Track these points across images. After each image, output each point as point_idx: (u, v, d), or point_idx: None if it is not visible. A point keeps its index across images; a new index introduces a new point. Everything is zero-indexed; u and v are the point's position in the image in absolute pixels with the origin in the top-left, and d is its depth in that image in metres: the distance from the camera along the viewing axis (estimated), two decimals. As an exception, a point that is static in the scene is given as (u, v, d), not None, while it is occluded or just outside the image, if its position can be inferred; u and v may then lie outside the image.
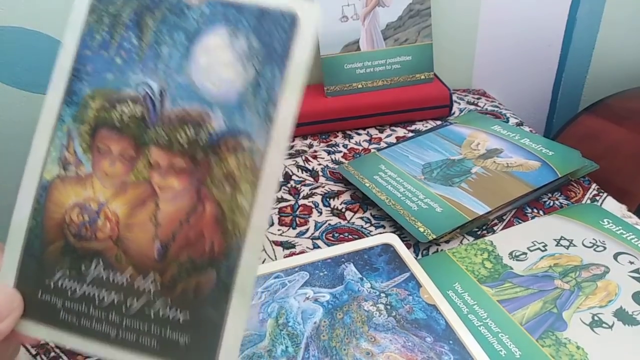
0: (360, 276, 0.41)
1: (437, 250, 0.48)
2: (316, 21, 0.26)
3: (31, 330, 0.27)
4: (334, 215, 0.53)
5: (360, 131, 0.70)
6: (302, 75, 0.26)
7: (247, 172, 0.26)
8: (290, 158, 0.64)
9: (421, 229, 0.47)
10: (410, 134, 0.68)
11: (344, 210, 0.54)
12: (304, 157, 0.64)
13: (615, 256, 0.44)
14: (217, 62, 0.26)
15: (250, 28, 0.26)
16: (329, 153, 0.65)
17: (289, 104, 0.26)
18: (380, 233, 0.49)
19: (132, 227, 0.26)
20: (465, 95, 0.79)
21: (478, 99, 0.78)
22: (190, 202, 0.26)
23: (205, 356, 0.25)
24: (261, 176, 0.25)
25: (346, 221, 0.52)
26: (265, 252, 0.48)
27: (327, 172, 0.61)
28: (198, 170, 0.26)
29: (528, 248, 0.46)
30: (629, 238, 0.45)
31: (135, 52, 0.27)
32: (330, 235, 0.50)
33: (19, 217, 0.27)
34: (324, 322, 0.38)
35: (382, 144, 0.66)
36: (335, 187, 0.58)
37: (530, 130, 0.65)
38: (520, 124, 0.69)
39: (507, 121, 0.69)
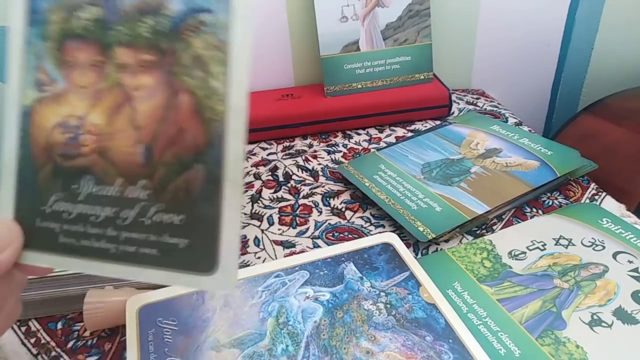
0: (360, 275, 0.42)
1: (436, 250, 0.48)
2: None
3: (33, 259, 0.27)
4: (334, 214, 0.53)
5: (360, 131, 0.70)
6: None
7: (214, 51, 0.25)
8: (290, 158, 0.64)
9: (421, 228, 0.47)
10: (410, 134, 0.68)
11: (343, 209, 0.54)
12: (304, 157, 0.64)
13: (614, 255, 0.44)
14: None
15: None
16: (328, 153, 0.65)
17: None
18: (380, 232, 0.50)
19: (113, 136, 0.26)
20: (465, 95, 0.80)
21: (477, 99, 0.78)
22: (165, 97, 0.26)
23: (206, 254, 0.25)
24: (230, 52, 0.25)
25: (346, 220, 0.52)
26: (266, 251, 0.49)
27: (327, 171, 0.61)
28: (166, 60, 0.25)
29: (527, 247, 0.46)
30: (628, 237, 0.46)
31: None
32: (330, 234, 0.50)
33: (7, 148, 0.27)
34: (324, 321, 0.38)
35: (382, 144, 0.66)
36: (335, 187, 0.58)
37: (530, 130, 0.65)
38: (519, 124, 0.69)
39: (506, 121, 0.70)
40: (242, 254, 0.48)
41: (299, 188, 0.58)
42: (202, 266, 0.25)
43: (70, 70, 0.27)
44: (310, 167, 0.62)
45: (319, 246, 0.49)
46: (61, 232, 0.27)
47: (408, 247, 0.47)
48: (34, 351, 0.39)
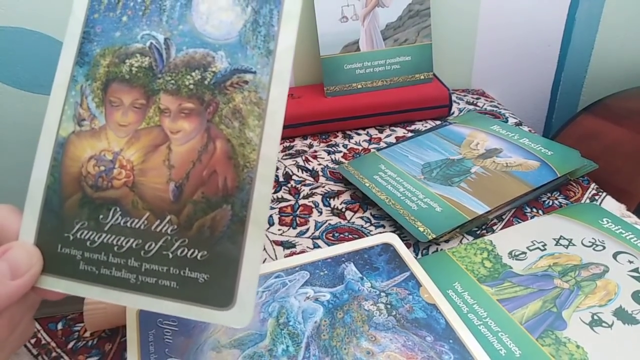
0: (360, 275, 0.42)
1: (436, 250, 0.48)
2: None
3: (51, 284, 0.27)
4: (334, 215, 0.53)
5: (360, 131, 0.70)
6: (298, 7, 0.27)
7: (253, 106, 0.27)
8: (290, 158, 0.64)
9: (421, 229, 0.47)
10: (410, 134, 0.68)
11: (344, 210, 0.54)
12: (304, 157, 0.64)
13: (615, 255, 0.44)
14: (216, 7, 0.28)
15: None
16: (329, 153, 0.65)
17: (287, 38, 0.27)
18: (380, 233, 0.50)
19: (146, 172, 0.27)
20: (465, 95, 0.79)
21: (477, 99, 0.78)
22: (201, 141, 0.27)
23: (224, 290, 0.26)
24: (267, 108, 0.27)
25: (346, 221, 0.52)
26: (266, 251, 0.49)
27: (327, 172, 0.61)
28: (206, 110, 0.27)
29: (527, 247, 0.46)
30: (628, 237, 0.46)
31: (140, 9, 0.29)
32: (331, 234, 0.50)
33: (38, 175, 0.28)
34: (325, 321, 0.38)
35: (382, 144, 0.66)
36: (335, 187, 0.58)
37: (530, 130, 0.65)
38: (519, 124, 0.69)
39: (507, 121, 0.70)
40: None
41: (299, 188, 0.58)
42: (219, 302, 0.26)
43: (112, 110, 0.28)
44: (310, 168, 0.62)
45: (319, 246, 0.49)
46: (82, 260, 0.27)
47: (408, 248, 0.47)
48: (34, 352, 0.39)
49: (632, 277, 0.41)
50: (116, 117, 0.28)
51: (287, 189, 0.58)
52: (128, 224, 0.27)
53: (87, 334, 0.41)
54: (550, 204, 0.53)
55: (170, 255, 0.27)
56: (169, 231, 0.27)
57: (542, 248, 0.46)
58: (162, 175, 0.27)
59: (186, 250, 0.27)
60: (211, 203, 0.27)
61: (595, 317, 0.38)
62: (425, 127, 0.70)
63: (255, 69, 0.27)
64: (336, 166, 0.62)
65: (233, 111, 0.27)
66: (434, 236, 0.46)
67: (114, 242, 0.27)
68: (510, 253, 0.45)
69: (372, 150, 0.65)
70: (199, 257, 0.26)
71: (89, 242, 0.27)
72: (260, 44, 0.27)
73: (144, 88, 0.28)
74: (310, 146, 0.67)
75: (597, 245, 0.45)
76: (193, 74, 0.28)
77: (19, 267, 0.26)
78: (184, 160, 0.27)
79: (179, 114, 0.27)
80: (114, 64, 0.28)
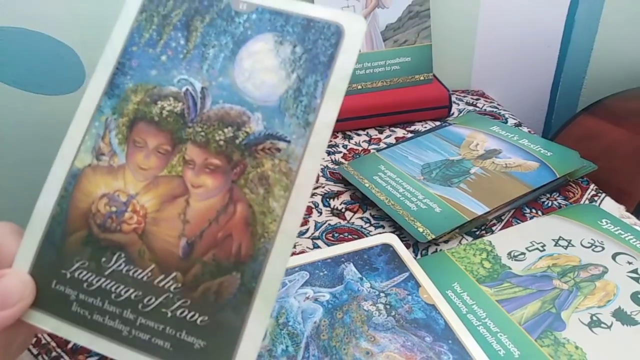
0: (359, 276, 0.42)
1: (436, 250, 0.48)
2: (361, 34, 0.26)
3: (39, 320, 0.26)
4: (333, 215, 0.53)
5: (360, 132, 0.70)
6: (344, 85, 0.26)
7: (282, 176, 0.26)
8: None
9: (420, 229, 0.47)
10: (410, 135, 0.68)
11: (343, 210, 0.54)
12: (303, 158, 0.64)
13: (614, 256, 0.44)
14: (260, 67, 0.27)
15: (295, 36, 0.27)
16: (328, 154, 0.65)
17: (328, 113, 0.26)
18: (380, 233, 0.50)
19: (159, 222, 0.26)
20: (464, 96, 0.80)
21: (477, 99, 0.78)
22: (222, 201, 0.26)
23: None
24: (296, 181, 0.26)
25: (346, 221, 0.52)
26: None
27: (327, 172, 0.61)
28: (232, 170, 0.26)
29: (527, 248, 0.46)
30: (627, 238, 0.46)
31: (181, 52, 0.27)
32: (330, 235, 0.51)
33: (44, 202, 0.27)
34: (324, 321, 0.38)
35: (382, 145, 0.66)
36: (335, 188, 0.58)
37: (529, 131, 0.65)
38: (518, 125, 0.69)
39: (506, 122, 0.70)
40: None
41: (298, 189, 0.58)
42: None
43: (135, 150, 0.27)
44: (310, 168, 0.62)
45: (318, 247, 0.49)
46: (76, 301, 0.26)
47: (408, 248, 0.47)
48: (35, 351, 0.40)
49: (631, 278, 0.42)
50: (138, 158, 0.27)
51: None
52: (130, 273, 0.26)
53: (87, 334, 0.41)
54: (550, 204, 0.53)
55: (169, 314, 0.25)
56: (172, 288, 0.25)
57: (541, 249, 0.46)
58: (175, 229, 0.26)
59: (187, 312, 0.25)
60: (221, 267, 0.25)
61: (594, 318, 0.38)
62: (425, 127, 0.70)
63: (291, 139, 0.26)
64: (336, 167, 0.62)
65: (260, 177, 0.26)
66: (434, 237, 0.47)
67: (113, 289, 0.26)
68: (509, 254, 0.45)
69: (372, 150, 0.65)
70: (198, 321, 0.25)
71: (86, 284, 0.26)
72: (299, 113, 0.26)
73: (171, 134, 0.27)
74: (310, 146, 0.67)
75: (596, 246, 0.45)
76: (225, 130, 0.26)
77: (11, 297, 0.25)
78: (201, 218, 0.26)
79: (204, 168, 0.26)
80: (144, 102, 0.27)
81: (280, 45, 0.27)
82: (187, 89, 0.27)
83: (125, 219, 0.26)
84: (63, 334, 0.26)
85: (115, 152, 0.27)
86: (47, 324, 0.26)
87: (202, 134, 0.26)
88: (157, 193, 0.26)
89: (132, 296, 0.26)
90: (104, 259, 0.26)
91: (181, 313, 0.25)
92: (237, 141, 0.26)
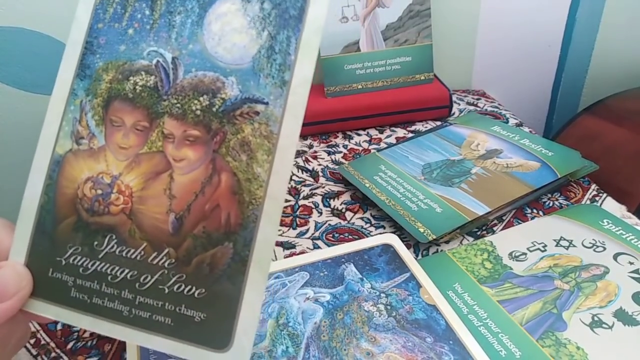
0: (360, 276, 0.41)
1: (437, 251, 0.48)
2: None
3: (40, 309, 0.26)
4: (334, 215, 0.53)
5: (360, 132, 0.70)
6: (318, 39, 0.25)
7: (263, 140, 0.25)
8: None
9: (421, 230, 0.47)
10: (410, 135, 0.68)
11: (344, 210, 0.54)
12: (304, 158, 0.64)
13: (615, 257, 0.44)
14: (230, 28, 0.26)
15: None
16: (329, 153, 0.65)
17: (304, 69, 0.25)
18: (380, 233, 0.49)
19: (146, 200, 0.26)
20: (465, 96, 0.79)
21: (478, 99, 0.78)
22: (205, 172, 0.26)
23: (221, 332, 0.25)
24: (277, 143, 0.25)
25: (346, 221, 0.52)
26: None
27: (327, 172, 0.61)
28: (213, 139, 0.26)
29: (528, 248, 0.46)
30: (628, 239, 0.45)
31: (148, 23, 0.27)
32: (331, 235, 0.50)
33: (31, 193, 0.27)
34: (325, 322, 0.38)
35: (382, 145, 0.66)
36: (336, 188, 0.58)
37: (530, 131, 0.65)
38: (519, 125, 0.69)
39: (507, 122, 0.70)
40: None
41: (299, 189, 0.58)
42: (215, 343, 0.25)
43: (113, 130, 0.27)
44: (310, 168, 0.62)
45: (319, 247, 0.49)
46: (74, 286, 0.26)
47: (408, 248, 0.47)
48: (34, 352, 0.39)
49: (633, 278, 0.41)
50: (117, 138, 0.26)
51: (287, 189, 0.58)
52: (124, 254, 0.26)
53: (87, 335, 0.41)
54: (551, 204, 0.53)
55: (166, 290, 0.25)
56: (166, 265, 0.25)
57: (542, 249, 0.46)
58: (162, 205, 0.26)
59: (183, 286, 0.25)
60: (212, 239, 0.25)
61: (596, 319, 0.38)
62: (426, 127, 0.70)
63: (268, 100, 0.25)
64: (336, 167, 0.62)
65: (241, 143, 0.25)
66: (434, 237, 0.46)
67: (108, 271, 0.26)
68: (510, 254, 0.45)
69: (373, 150, 0.65)
70: (196, 294, 0.25)
71: (82, 269, 0.26)
72: (274, 73, 0.25)
73: (147, 109, 0.26)
74: (311, 146, 0.67)
75: (597, 247, 0.45)
76: (201, 99, 0.26)
77: (8, 289, 0.25)
78: (186, 191, 0.26)
79: (184, 141, 0.26)
80: (117, 80, 0.27)
81: (248, 3, 0.26)
82: (157, 61, 0.26)
83: (111, 200, 0.26)
84: (65, 319, 0.26)
85: (93, 135, 0.27)
86: (48, 311, 0.26)
87: (178, 105, 0.26)
88: (140, 171, 0.26)
89: (128, 276, 0.26)
90: (96, 243, 0.26)
91: (178, 288, 0.25)
92: (214, 109, 0.26)
